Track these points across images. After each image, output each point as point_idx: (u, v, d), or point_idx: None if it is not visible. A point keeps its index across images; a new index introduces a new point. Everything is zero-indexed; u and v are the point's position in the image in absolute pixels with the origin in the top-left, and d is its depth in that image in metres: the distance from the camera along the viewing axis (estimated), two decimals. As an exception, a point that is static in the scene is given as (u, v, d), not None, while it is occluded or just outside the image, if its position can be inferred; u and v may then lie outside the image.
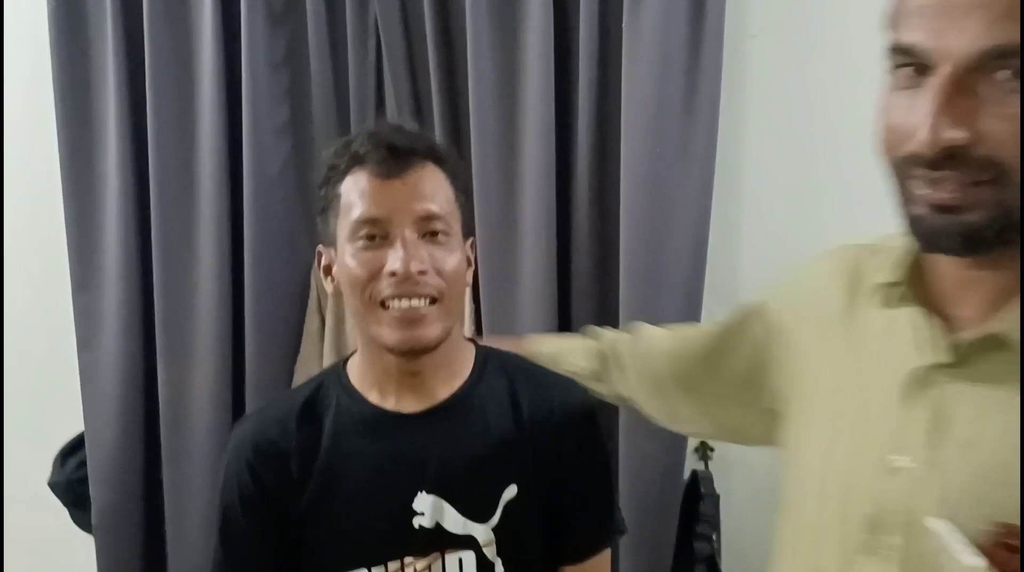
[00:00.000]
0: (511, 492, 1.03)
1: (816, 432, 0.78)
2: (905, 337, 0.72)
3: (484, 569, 1.03)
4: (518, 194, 1.69)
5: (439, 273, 0.98)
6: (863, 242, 0.84)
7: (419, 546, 1.01)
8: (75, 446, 1.97)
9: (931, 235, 0.66)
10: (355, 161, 1.00)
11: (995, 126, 0.60)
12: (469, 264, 1.06)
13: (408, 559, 1.02)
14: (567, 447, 1.06)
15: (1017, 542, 0.61)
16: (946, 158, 0.61)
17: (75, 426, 1.96)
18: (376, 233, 0.97)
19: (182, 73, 1.82)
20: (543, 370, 1.14)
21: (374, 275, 0.97)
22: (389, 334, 0.98)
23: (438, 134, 1.73)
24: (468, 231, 1.06)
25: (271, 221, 1.83)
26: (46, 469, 1.96)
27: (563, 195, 1.67)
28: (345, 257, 1.00)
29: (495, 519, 1.02)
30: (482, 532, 1.02)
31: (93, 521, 1.92)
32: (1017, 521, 0.62)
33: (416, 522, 1.01)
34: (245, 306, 1.84)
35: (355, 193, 0.99)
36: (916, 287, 0.74)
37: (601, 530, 1.11)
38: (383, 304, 0.98)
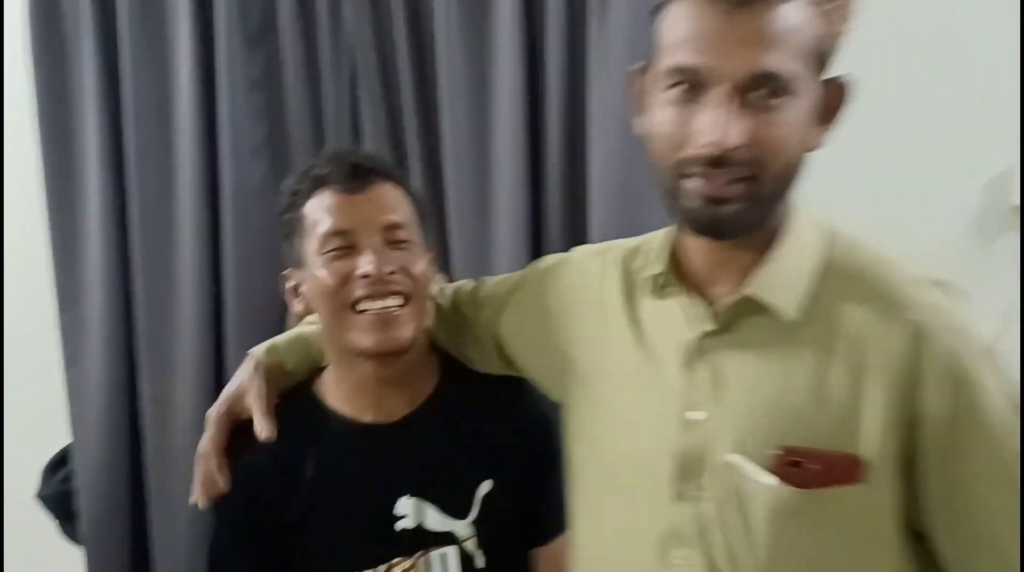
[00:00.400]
0: (486, 487, 1.10)
1: (615, 408, 0.91)
2: (677, 316, 0.88)
3: (466, 562, 1.10)
4: (492, 207, 1.72)
5: (408, 274, 1.04)
6: (619, 244, 1.02)
7: (404, 547, 1.08)
8: (62, 459, 2.01)
9: (704, 223, 0.81)
10: (318, 183, 1.07)
11: (760, 132, 0.76)
12: (431, 267, 1.13)
13: (395, 560, 1.08)
14: (532, 438, 1.13)
15: (797, 459, 0.78)
16: (721, 160, 0.76)
17: (61, 440, 1.99)
18: (344, 243, 1.04)
19: (160, 93, 1.85)
20: (511, 383, 1.18)
21: (345, 280, 1.03)
22: (364, 337, 1.03)
23: (413, 150, 1.77)
24: (428, 249, 1.12)
25: (250, 237, 1.86)
26: (34, 482, 2.01)
27: (536, 207, 1.71)
28: (315, 270, 1.05)
29: (473, 514, 1.10)
30: (462, 527, 1.09)
31: (82, 533, 1.96)
32: (792, 443, 0.78)
33: (399, 525, 1.07)
34: (226, 321, 1.88)
35: (321, 210, 1.05)
36: (677, 274, 0.89)
37: (563, 512, 1.16)
38: (355, 308, 1.03)
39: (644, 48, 1.53)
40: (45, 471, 2.02)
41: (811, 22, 0.77)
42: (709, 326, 0.85)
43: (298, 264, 1.11)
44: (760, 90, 0.75)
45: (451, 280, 1.73)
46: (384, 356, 1.06)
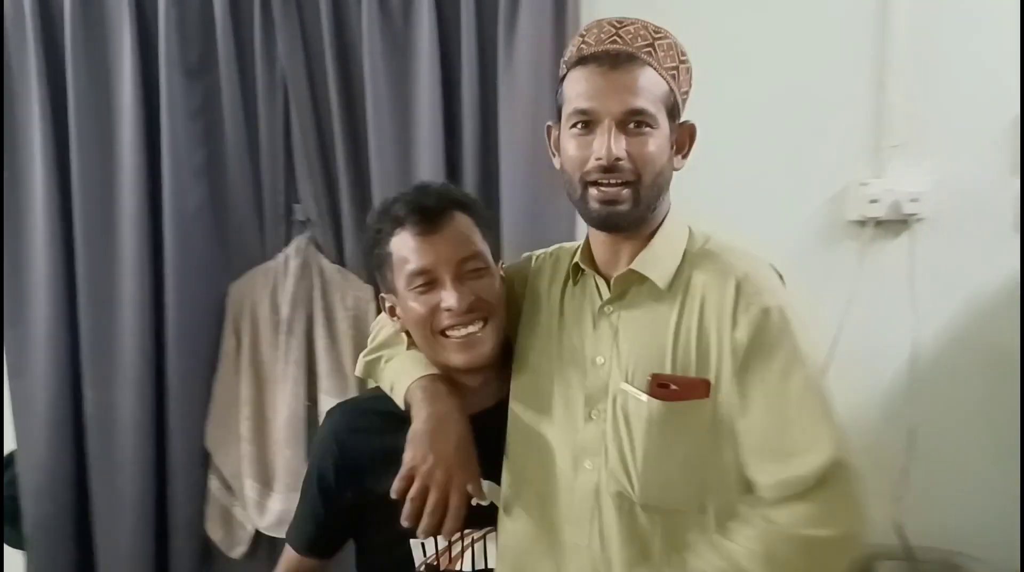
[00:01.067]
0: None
1: (546, 368, 1.21)
2: (591, 292, 1.19)
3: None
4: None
5: (484, 300, 1.19)
6: (563, 246, 1.31)
7: (476, 520, 1.22)
8: (6, 465, 2.10)
9: (603, 219, 1.11)
10: (397, 222, 1.21)
11: (634, 150, 1.08)
12: (501, 281, 1.27)
13: (466, 531, 1.24)
14: None
15: (664, 382, 1.08)
16: (610, 169, 1.06)
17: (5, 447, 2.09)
18: (427, 280, 1.18)
19: (103, 120, 2.00)
20: None
21: (433, 311, 1.18)
22: (454, 356, 1.20)
23: (342, 174, 1.97)
24: (496, 256, 1.27)
25: (190, 254, 2.02)
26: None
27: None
28: (407, 302, 1.20)
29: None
30: None
31: (27, 534, 2.06)
32: (660, 372, 1.09)
33: (475, 501, 1.17)
34: (167, 332, 2.03)
35: (404, 249, 1.20)
36: (588, 263, 1.19)
37: None
38: (444, 334, 1.19)
39: (542, 87, 1.82)
40: (-13, 477, 2.12)
41: (662, 81, 1.10)
42: (608, 296, 1.16)
43: (391, 290, 1.25)
44: (632, 122, 1.07)
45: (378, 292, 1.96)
46: (471, 371, 1.22)
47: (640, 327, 1.13)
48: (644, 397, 1.09)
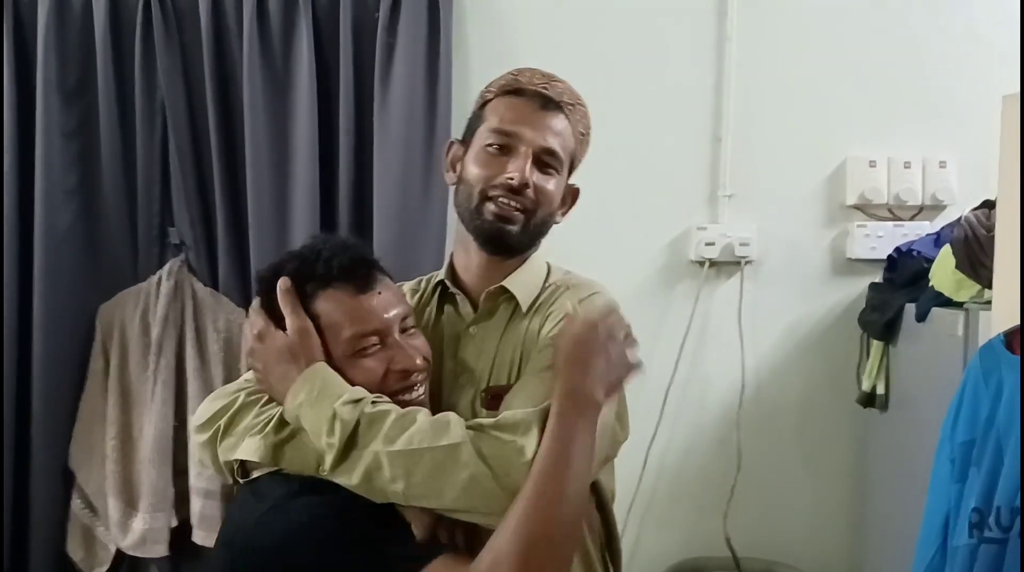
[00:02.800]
0: None
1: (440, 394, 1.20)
2: (454, 315, 1.21)
3: None
4: (291, 242, 1.98)
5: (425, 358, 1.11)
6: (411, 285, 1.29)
7: None
8: None
9: (491, 234, 1.14)
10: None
11: (539, 183, 1.13)
12: None
13: None
14: None
15: (498, 393, 1.09)
16: (516, 191, 1.12)
17: None
18: (376, 342, 1.07)
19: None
20: None
21: (390, 374, 1.07)
22: None
23: (218, 200, 2.03)
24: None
25: (59, 273, 2.03)
26: None
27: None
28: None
29: None
30: None
31: None
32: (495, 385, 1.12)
33: None
34: (33, 348, 2.03)
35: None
36: (455, 284, 1.21)
37: None
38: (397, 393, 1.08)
39: (414, 124, 1.95)
40: None
41: (572, 138, 1.18)
42: (472, 315, 1.18)
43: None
44: (545, 161, 1.14)
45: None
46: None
47: (497, 344, 1.16)
48: (483, 412, 1.10)
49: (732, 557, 2.04)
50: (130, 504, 2.07)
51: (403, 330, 1.08)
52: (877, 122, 2.05)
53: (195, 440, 1.12)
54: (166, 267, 2.09)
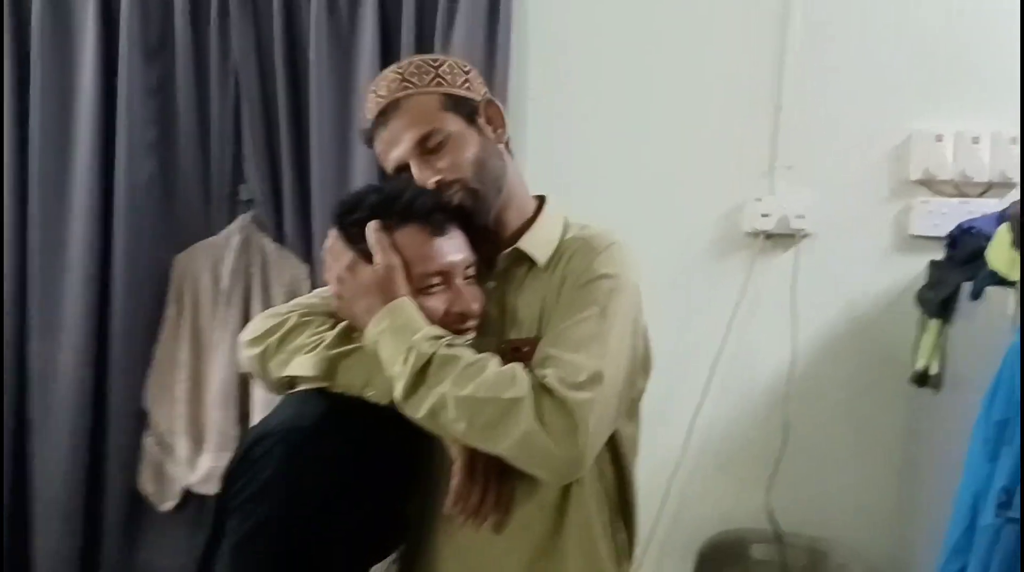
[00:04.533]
0: None
1: None
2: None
3: None
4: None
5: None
6: None
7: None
8: (-51, 412, 2.23)
9: (471, 216, 1.17)
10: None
11: (443, 164, 1.15)
12: None
13: None
14: None
15: (518, 345, 1.14)
16: (441, 187, 1.13)
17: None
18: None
19: (64, 94, 2.14)
20: None
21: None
22: None
23: (286, 160, 2.12)
24: None
25: (138, 223, 2.16)
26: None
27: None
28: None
29: None
30: None
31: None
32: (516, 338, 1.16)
33: None
34: (112, 296, 2.17)
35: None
36: None
37: None
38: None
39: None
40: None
41: (435, 101, 1.17)
42: (493, 274, 1.21)
43: None
44: (427, 147, 1.15)
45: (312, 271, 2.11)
46: None
47: (517, 300, 1.19)
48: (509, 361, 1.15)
49: (774, 531, 2.04)
50: (198, 443, 2.20)
51: (466, 277, 1.15)
52: (944, 95, 1.98)
53: (245, 354, 1.19)
54: (236, 222, 2.20)
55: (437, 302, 1.12)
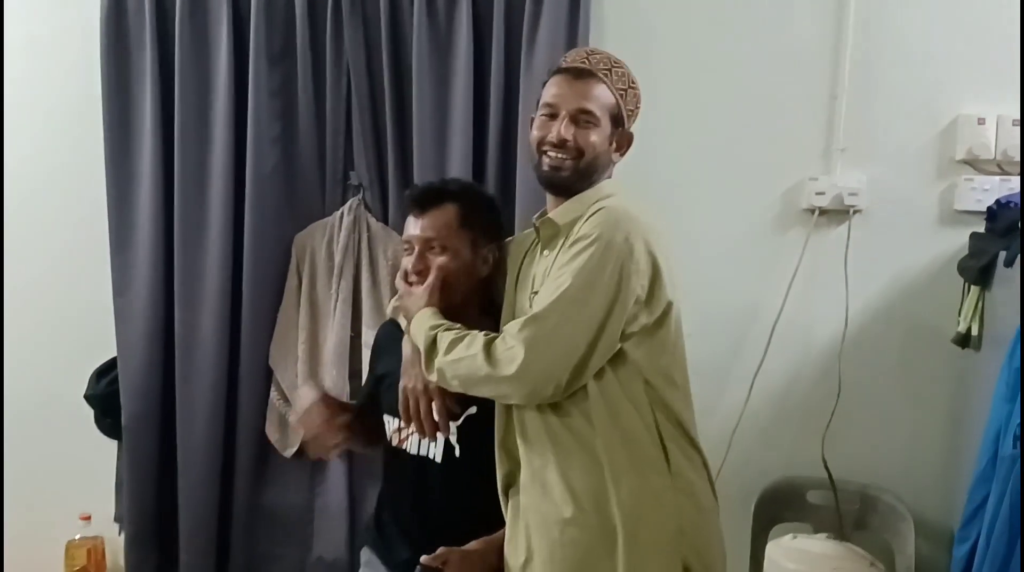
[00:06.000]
0: (472, 410, 1.60)
1: (511, 307, 1.59)
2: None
3: (448, 450, 1.62)
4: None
5: (427, 271, 1.62)
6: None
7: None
8: (108, 368, 2.60)
9: (548, 179, 1.52)
10: (407, 202, 1.70)
11: (579, 136, 1.48)
12: (485, 263, 1.68)
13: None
14: None
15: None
16: (559, 145, 1.47)
17: (105, 353, 2.59)
18: (408, 248, 1.65)
19: (202, 95, 2.45)
20: None
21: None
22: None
23: (390, 149, 2.41)
24: (493, 236, 1.70)
25: (264, 207, 2.47)
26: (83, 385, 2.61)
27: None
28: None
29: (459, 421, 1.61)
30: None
31: (124, 424, 2.54)
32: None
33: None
34: (244, 268, 2.49)
35: (407, 224, 1.67)
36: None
37: None
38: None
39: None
40: (93, 376, 2.61)
41: (611, 96, 1.50)
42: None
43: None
44: (582, 119, 1.48)
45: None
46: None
47: (553, 264, 1.47)
48: None
49: (828, 478, 2.25)
50: (316, 397, 2.52)
51: (429, 248, 1.60)
52: (988, 80, 2.16)
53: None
54: (347, 204, 2.49)
55: (406, 262, 1.63)
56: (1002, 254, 1.95)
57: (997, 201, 2.05)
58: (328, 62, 2.44)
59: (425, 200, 1.64)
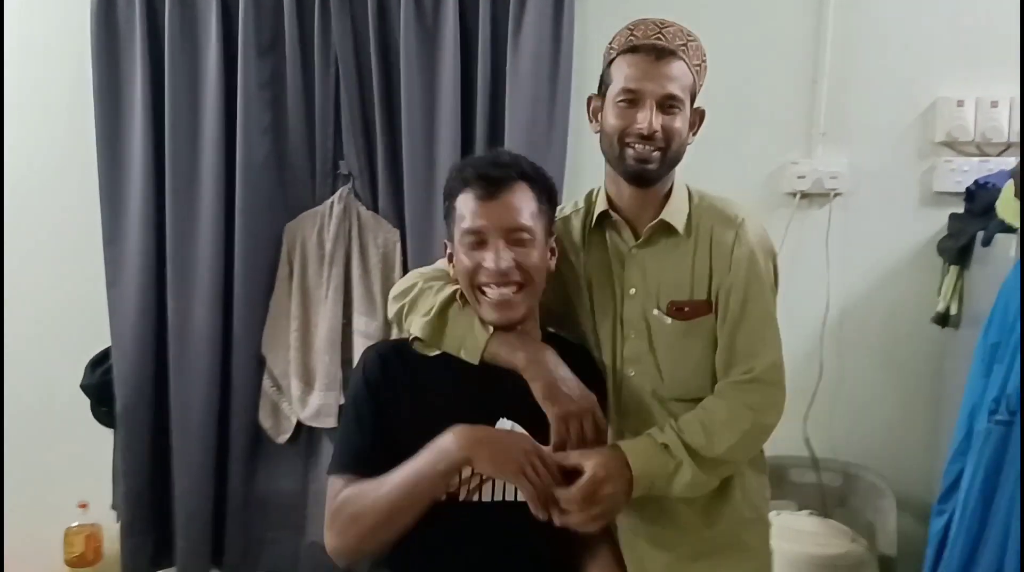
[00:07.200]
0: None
1: (581, 296, 1.52)
2: (616, 237, 1.49)
3: None
4: (437, 176, 2.37)
5: (522, 268, 1.32)
6: (575, 203, 1.57)
7: None
8: (102, 358, 2.63)
9: (635, 174, 1.41)
10: (464, 183, 1.35)
11: (667, 125, 1.37)
12: (552, 254, 1.42)
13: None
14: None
15: (680, 306, 1.43)
16: (648, 137, 1.36)
17: (101, 343, 2.61)
18: (478, 239, 1.32)
19: (192, 87, 2.48)
20: (585, 351, 1.52)
21: (477, 267, 1.32)
22: (488, 313, 1.34)
23: (379, 139, 2.44)
24: (549, 231, 1.40)
25: (256, 196, 2.50)
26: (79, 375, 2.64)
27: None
28: (459, 253, 1.35)
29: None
30: None
31: (118, 413, 2.58)
32: (677, 299, 1.44)
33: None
34: (235, 258, 2.52)
35: (465, 209, 1.34)
36: (615, 212, 1.48)
37: None
38: (481, 290, 1.34)
39: (540, 78, 2.27)
40: (88, 366, 2.64)
41: (689, 74, 1.40)
42: (637, 241, 1.46)
43: (451, 238, 1.38)
44: (668, 105, 1.37)
45: (403, 235, 2.44)
46: (500, 326, 1.36)
47: (663, 264, 1.44)
48: (668, 320, 1.44)
49: (811, 456, 2.30)
50: (308, 384, 2.54)
51: (515, 241, 1.32)
52: (967, 64, 2.20)
53: (390, 309, 1.50)
54: (337, 193, 2.52)
55: (470, 256, 1.33)
56: (980, 234, 1.99)
57: (976, 182, 2.09)
58: (317, 53, 2.47)
59: (496, 180, 1.33)
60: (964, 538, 1.59)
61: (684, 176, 2.17)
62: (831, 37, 2.25)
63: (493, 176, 1.32)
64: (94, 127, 2.52)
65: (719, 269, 1.42)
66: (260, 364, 2.59)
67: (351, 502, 1.27)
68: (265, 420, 2.60)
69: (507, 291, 1.31)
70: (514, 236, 1.31)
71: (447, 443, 1.25)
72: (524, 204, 1.33)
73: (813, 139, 2.29)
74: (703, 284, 1.43)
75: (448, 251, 1.41)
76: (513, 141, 2.34)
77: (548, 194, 1.39)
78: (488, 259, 1.30)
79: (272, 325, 2.58)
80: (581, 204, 1.56)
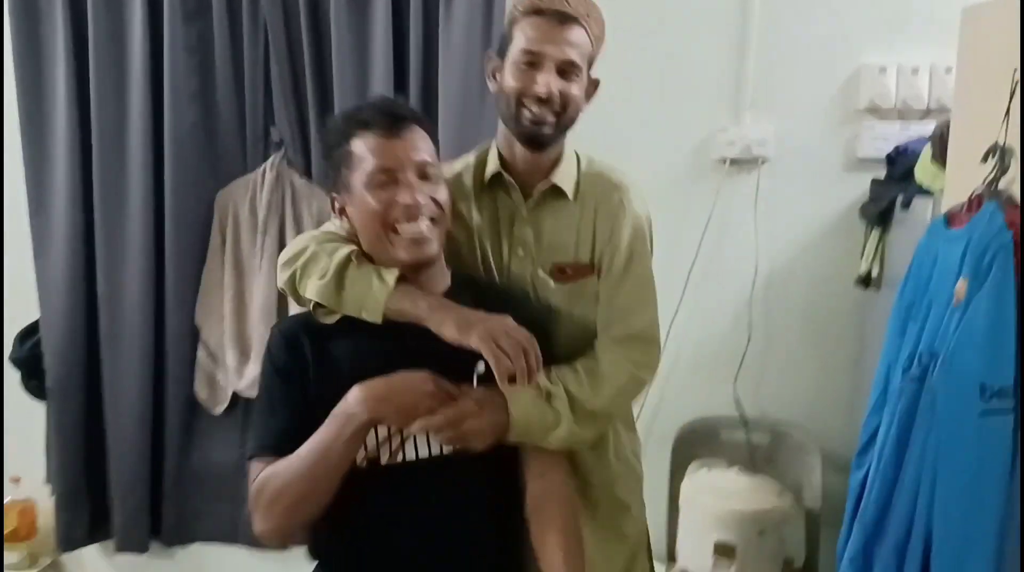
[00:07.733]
0: (481, 367, 1.31)
1: (474, 254, 1.52)
2: (506, 199, 1.49)
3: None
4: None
5: (435, 202, 1.31)
6: (467, 158, 1.55)
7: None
8: (31, 330, 2.58)
9: (529, 136, 1.42)
10: (362, 126, 1.30)
11: (565, 90, 1.39)
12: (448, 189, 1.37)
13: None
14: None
15: (562, 268, 1.48)
16: (545, 100, 1.38)
17: (30, 316, 2.56)
18: (388, 179, 1.28)
19: (117, 53, 2.42)
20: (506, 288, 1.50)
21: (388, 208, 1.27)
22: (402, 252, 1.29)
23: (311, 105, 2.41)
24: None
25: (185, 166, 2.46)
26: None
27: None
28: (364, 198, 1.28)
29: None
30: None
31: (48, 386, 2.54)
32: (561, 261, 1.49)
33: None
34: (165, 227, 2.48)
35: (366, 150, 1.28)
36: (505, 171, 1.49)
37: None
38: (394, 230, 1.28)
39: (473, 41, 2.26)
40: (16, 339, 2.59)
41: (588, 42, 1.41)
42: (526, 202, 1.48)
43: (345, 190, 1.32)
44: (566, 70, 1.39)
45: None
46: (416, 266, 1.31)
47: (550, 227, 1.48)
48: (552, 282, 1.48)
49: (740, 417, 2.36)
50: (244, 354, 2.53)
51: (424, 176, 1.30)
52: (889, 30, 2.23)
53: (280, 276, 1.40)
54: (269, 160, 2.49)
55: (385, 194, 1.27)
56: (900, 197, 2.05)
57: (896, 148, 2.14)
58: (245, 17, 2.42)
59: (398, 118, 1.31)
60: (879, 489, 1.65)
61: (616, 143, 2.22)
62: (758, 5, 2.28)
63: (396, 113, 1.32)
64: (16, 95, 2.44)
65: (602, 231, 1.47)
66: (194, 335, 2.57)
67: (268, 483, 1.25)
68: (201, 391, 2.58)
69: (421, 226, 1.28)
70: (424, 170, 1.30)
71: (349, 406, 1.24)
72: (424, 144, 1.32)
73: (741, 106, 2.32)
74: (587, 247, 1.48)
75: (339, 206, 1.36)
76: (447, 110, 2.33)
77: (435, 138, 1.38)
78: (403, 194, 1.27)
79: (205, 295, 2.55)
80: (471, 159, 1.55)
